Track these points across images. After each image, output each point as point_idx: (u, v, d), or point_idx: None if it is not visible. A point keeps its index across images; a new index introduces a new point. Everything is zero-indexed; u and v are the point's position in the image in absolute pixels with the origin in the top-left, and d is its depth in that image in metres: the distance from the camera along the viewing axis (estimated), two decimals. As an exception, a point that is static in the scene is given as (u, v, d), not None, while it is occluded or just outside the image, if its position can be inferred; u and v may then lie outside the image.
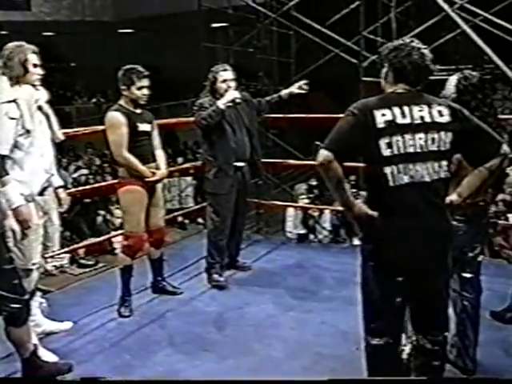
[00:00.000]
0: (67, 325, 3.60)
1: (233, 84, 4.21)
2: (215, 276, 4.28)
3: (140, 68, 3.81)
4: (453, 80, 2.78)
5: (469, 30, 7.07)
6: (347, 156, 2.34)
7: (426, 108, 2.31)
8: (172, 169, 7.47)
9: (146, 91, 3.79)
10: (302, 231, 5.61)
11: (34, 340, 3.03)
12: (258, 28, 9.25)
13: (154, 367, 3.15)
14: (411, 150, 2.26)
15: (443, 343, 2.52)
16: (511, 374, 2.94)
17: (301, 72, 9.50)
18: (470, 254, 2.89)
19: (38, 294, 3.49)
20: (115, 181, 4.07)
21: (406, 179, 2.26)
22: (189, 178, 7.32)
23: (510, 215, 5.18)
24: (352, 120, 2.30)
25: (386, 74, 2.40)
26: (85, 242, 4.95)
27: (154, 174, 3.83)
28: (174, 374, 3.07)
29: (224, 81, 4.19)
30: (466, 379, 2.79)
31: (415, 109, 2.30)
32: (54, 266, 4.68)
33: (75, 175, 9.15)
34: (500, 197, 5.51)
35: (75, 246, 4.84)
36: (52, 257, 3.78)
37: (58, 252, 4.13)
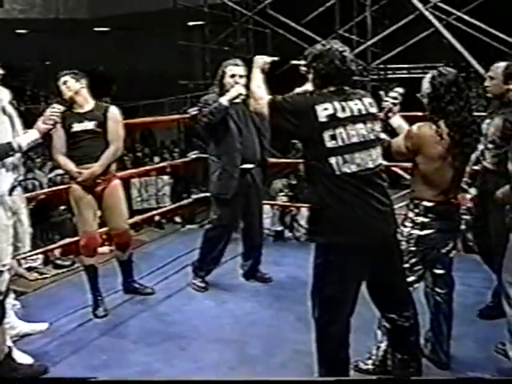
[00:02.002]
0: (42, 326, 3.56)
1: (242, 80, 3.87)
2: (198, 280, 4.17)
3: (67, 71, 3.80)
4: (428, 77, 2.81)
5: (442, 28, 7.16)
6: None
7: (359, 101, 2.50)
8: (149, 168, 7.46)
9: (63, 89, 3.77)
10: (279, 228, 5.62)
11: (9, 342, 3.00)
12: (234, 26, 9.26)
13: (130, 367, 3.14)
14: (355, 140, 2.44)
15: (411, 319, 2.67)
16: (484, 367, 2.99)
17: (277, 70, 9.52)
18: (443, 251, 2.92)
19: (12, 295, 3.44)
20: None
21: (353, 168, 2.43)
22: (166, 177, 7.29)
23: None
24: (293, 114, 2.46)
25: (313, 80, 2.56)
26: (60, 243, 4.89)
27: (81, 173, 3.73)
28: (151, 373, 3.06)
29: (232, 76, 3.90)
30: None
31: (351, 103, 2.47)
32: (29, 267, 4.62)
33: (50, 175, 9.03)
34: (474, 193, 5.57)
35: (49, 247, 4.76)
36: (24, 258, 3.74)
37: (32, 253, 4.09)
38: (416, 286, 2.90)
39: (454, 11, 7.96)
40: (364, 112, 2.49)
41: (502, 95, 3.37)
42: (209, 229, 4.17)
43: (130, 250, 4.10)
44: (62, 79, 3.77)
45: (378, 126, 2.56)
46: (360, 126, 2.47)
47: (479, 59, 7.03)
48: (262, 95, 2.63)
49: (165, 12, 10.72)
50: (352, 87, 2.56)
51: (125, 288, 4.14)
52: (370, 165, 2.48)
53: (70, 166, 3.75)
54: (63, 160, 3.76)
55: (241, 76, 3.90)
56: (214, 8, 9.50)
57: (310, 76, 2.57)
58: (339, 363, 2.61)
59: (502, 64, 3.43)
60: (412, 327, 2.69)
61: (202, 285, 4.17)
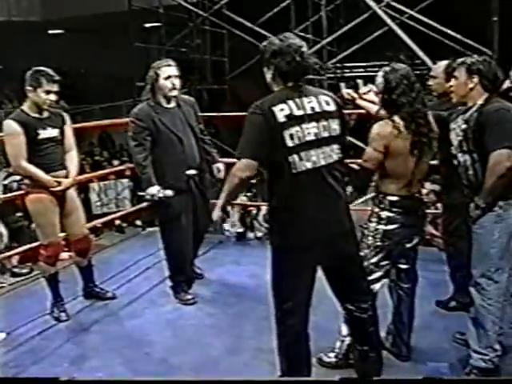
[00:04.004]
0: (0, 336, 3.49)
1: (177, 82, 3.80)
2: (182, 294, 3.97)
3: (51, 72, 3.64)
4: (381, 72, 2.86)
5: (395, 27, 7.29)
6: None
7: (314, 99, 2.52)
8: (107, 171, 7.35)
9: (52, 97, 3.61)
10: (240, 229, 5.62)
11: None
12: (190, 27, 9.23)
13: (92, 373, 3.10)
14: (309, 138, 2.47)
15: (369, 311, 2.72)
16: (443, 357, 3.07)
17: (235, 70, 9.54)
18: (408, 246, 2.97)
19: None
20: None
21: (308, 165, 2.47)
22: (125, 180, 7.19)
23: (439, 205, 5.36)
24: (259, 120, 2.44)
25: (272, 76, 2.56)
26: (17, 250, 4.77)
27: (59, 183, 3.64)
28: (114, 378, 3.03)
29: (168, 77, 3.76)
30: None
31: (305, 100, 2.50)
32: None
33: (6, 182, 8.81)
34: (430, 187, 5.69)
35: (6, 254, 4.64)
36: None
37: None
38: (384, 281, 2.94)
39: (407, 10, 8.12)
40: (318, 110, 2.50)
41: (445, 93, 3.35)
42: (169, 253, 4.00)
43: (90, 255, 4.05)
44: (47, 87, 3.57)
45: (334, 124, 2.54)
46: (313, 124, 2.48)
47: (433, 57, 7.19)
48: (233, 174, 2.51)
49: (120, 14, 10.61)
50: (308, 84, 2.58)
51: (85, 293, 4.08)
52: (323, 162, 2.50)
53: (44, 174, 3.60)
54: (33, 168, 3.59)
55: (176, 76, 3.80)
56: (169, 9, 9.45)
57: (269, 72, 2.55)
58: (300, 355, 2.64)
59: (443, 63, 3.50)
60: (370, 319, 2.73)
61: (189, 296, 3.96)
